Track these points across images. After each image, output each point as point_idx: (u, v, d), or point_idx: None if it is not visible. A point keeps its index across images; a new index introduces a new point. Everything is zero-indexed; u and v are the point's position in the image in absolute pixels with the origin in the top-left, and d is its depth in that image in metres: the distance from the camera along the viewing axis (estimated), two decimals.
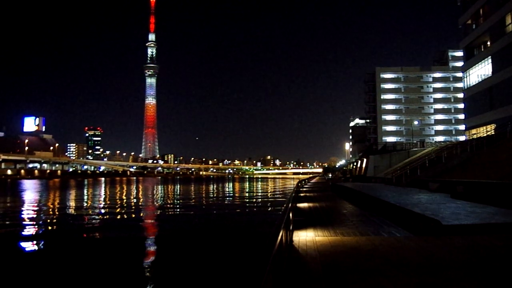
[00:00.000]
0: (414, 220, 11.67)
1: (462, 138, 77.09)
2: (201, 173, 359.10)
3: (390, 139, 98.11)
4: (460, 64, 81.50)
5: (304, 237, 9.83)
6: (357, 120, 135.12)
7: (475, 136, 45.20)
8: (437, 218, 10.85)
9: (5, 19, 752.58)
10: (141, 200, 48.04)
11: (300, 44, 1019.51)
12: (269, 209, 35.55)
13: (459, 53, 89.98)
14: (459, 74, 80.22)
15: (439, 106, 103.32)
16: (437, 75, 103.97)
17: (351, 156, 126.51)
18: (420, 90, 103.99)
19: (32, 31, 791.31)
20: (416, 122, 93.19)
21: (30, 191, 68.63)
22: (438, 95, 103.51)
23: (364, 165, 68.53)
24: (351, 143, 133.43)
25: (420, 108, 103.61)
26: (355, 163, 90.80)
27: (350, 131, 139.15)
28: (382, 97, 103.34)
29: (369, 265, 6.74)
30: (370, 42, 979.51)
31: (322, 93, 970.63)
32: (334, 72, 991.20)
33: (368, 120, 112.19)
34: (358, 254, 7.74)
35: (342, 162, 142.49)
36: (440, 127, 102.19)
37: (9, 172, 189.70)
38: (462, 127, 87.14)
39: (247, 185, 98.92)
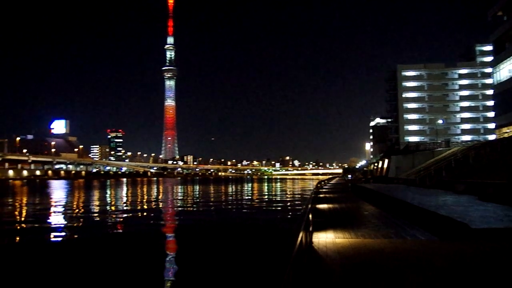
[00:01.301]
0: (440, 223, 11.23)
1: (491, 137, 74.85)
2: (219, 173, 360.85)
3: (413, 138, 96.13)
4: (489, 59, 78.78)
5: (324, 238, 9.59)
6: (378, 120, 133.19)
7: (506, 135, 43.65)
8: (464, 221, 10.39)
9: (29, 25, 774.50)
10: (162, 200, 48.45)
11: (319, 42, 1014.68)
12: (288, 210, 35.27)
13: (488, 47, 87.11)
14: (488, 70, 77.61)
15: (465, 104, 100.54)
16: (464, 71, 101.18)
17: (371, 156, 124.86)
18: (444, 87, 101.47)
19: (57, 37, 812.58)
20: (440, 121, 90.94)
21: (58, 191, 70.32)
22: (465, 93, 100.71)
23: (385, 166, 67.42)
24: (371, 143, 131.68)
25: (445, 106, 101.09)
26: (376, 164, 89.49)
27: (371, 130, 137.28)
28: (404, 96, 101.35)
29: (391, 269, 6.46)
30: (391, 39, 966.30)
31: (342, 92, 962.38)
32: (353, 70, 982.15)
33: (389, 120, 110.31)
34: (380, 257, 7.45)
35: (363, 162, 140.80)
36: (466, 126, 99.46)
37: (38, 172, 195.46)
38: (491, 125, 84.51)
39: (266, 186, 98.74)
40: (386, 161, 67.55)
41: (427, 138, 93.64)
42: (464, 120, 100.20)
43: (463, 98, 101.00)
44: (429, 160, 49.59)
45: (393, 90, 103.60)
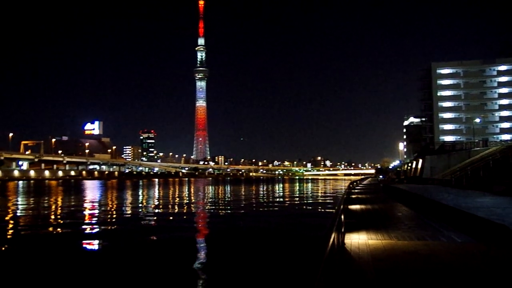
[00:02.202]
0: (477, 225, 10.88)
1: None
2: (251, 174, 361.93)
3: (448, 138, 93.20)
4: None
5: (357, 240, 9.50)
6: (412, 119, 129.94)
7: None
8: (504, 224, 10.03)
9: (65, 29, 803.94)
10: (193, 200, 49.19)
11: (351, 41, 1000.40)
12: (320, 210, 35.02)
13: None
14: None
15: (505, 101, 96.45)
16: (503, 67, 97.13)
17: (405, 156, 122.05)
18: (482, 85, 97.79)
19: (90, 40, 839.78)
20: (478, 120, 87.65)
21: (92, 191, 72.71)
22: (505, 90, 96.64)
23: (419, 166, 65.75)
24: (405, 143, 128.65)
25: (483, 105, 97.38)
26: (409, 164, 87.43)
27: (404, 130, 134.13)
28: (439, 94, 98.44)
29: (426, 272, 6.33)
30: (424, 36, 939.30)
31: (374, 92, 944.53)
32: (386, 69, 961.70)
33: (423, 119, 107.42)
34: (415, 259, 7.32)
35: (396, 162, 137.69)
36: (506, 125, 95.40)
37: (72, 173, 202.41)
38: None
39: (297, 186, 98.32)
40: (420, 161, 65.88)
41: (463, 138, 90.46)
42: (504, 119, 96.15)
43: (502, 96, 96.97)
44: (466, 160, 47.98)
45: (427, 89, 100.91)
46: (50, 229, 23.48)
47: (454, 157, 54.91)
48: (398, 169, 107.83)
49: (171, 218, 29.61)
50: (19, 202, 44.14)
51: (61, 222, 27.11)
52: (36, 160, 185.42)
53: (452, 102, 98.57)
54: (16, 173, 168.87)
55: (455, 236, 10.10)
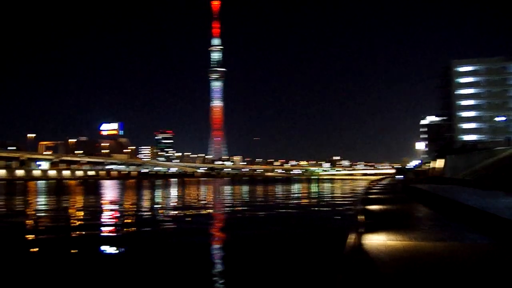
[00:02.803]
0: (501, 226, 10.57)
1: None
2: (267, 174, 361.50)
3: (469, 137, 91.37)
4: None
5: (375, 240, 9.34)
6: (431, 118, 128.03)
7: None
8: None
9: (81, 31, 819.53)
10: (210, 200, 49.45)
11: (367, 40, 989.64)
12: (338, 211, 34.69)
13: None
14: None
15: None
16: None
17: (424, 156, 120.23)
18: (504, 82, 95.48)
19: (107, 41, 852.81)
20: (501, 118, 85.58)
21: (112, 191, 73.82)
22: None
23: (439, 166, 64.60)
24: (424, 142, 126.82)
25: (505, 103, 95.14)
26: (429, 164, 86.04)
27: (424, 129, 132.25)
28: (458, 92, 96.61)
29: (448, 274, 6.15)
30: (443, 33, 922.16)
31: (392, 90, 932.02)
32: (404, 67, 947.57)
33: (443, 118, 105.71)
34: (435, 261, 7.14)
35: (415, 162, 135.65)
36: None
37: (91, 173, 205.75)
38: None
39: (314, 186, 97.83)
40: (440, 161, 64.76)
41: (485, 137, 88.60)
42: None
43: None
44: (488, 160, 46.93)
45: (447, 87, 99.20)
46: (69, 229, 23.85)
47: (475, 156, 53.80)
48: (417, 169, 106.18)
49: (189, 219, 29.49)
50: (40, 202, 45.04)
51: (79, 223, 27.48)
52: (56, 160, 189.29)
53: (473, 100, 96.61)
54: (36, 173, 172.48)
55: (477, 238, 9.85)
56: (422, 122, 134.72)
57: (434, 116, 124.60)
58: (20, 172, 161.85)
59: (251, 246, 17.58)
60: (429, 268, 6.58)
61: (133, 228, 24.13)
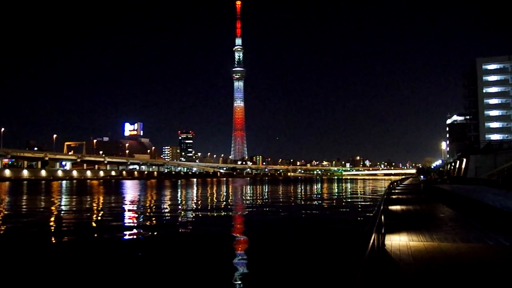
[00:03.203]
0: None
1: None
2: (289, 174, 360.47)
3: (495, 136, 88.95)
4: None
5: (397, 241, 9.35)
6: (455, 117, 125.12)
7: None
8: None
9: (104, 33, 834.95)
10: (232, 202, 49.76)
11: (390, 39, 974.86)
12: (359, 211, 34.47)
13: None
14: None
15: None
16: None
17: (448, 156, 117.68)
18: None
19: (130, 42, 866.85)
20: None
21: (133, 190, 75.12)
22: None
23: (463, 166, 63.22)
24: (448, 142, 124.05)
25: None
26: (452, 164, 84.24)
27: (447, 129, 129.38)
28: (484, 91, 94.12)
29: (472, 276, 6.15)
30: (467, 30, 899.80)
31: (415, 89, 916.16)
32: (427, 66, 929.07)
33: (468, 117, 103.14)
34: (459, 262, 7.12)
35: (438, 162, 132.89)
36: None
37: (113, 173, 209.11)
38: None
39: (336, 186, 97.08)
40: (464, 160, 63.34)
41: (511, 136, 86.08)
42: None
43: None
44: None
45: (472, 86, 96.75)
46: (92, 229, 24.41)
47: (502, 156, 52.44)
48: (440, 169, 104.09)
49: (211, 220, 29.56)
50: (63, 202, 46.12)
51: (101, 223, 28.03)
52: (79, 160, 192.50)
53: (499, 99, 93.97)
54: (59, 173, 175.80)
55: (503, 239, 9.71)
56: (447, 121, 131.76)
57: (458, 116, 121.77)
58: (43, 172, 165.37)
59: (272, 244, 17.74)
60: (452, 270, 6.58)
61: (148, 229, 24.66)
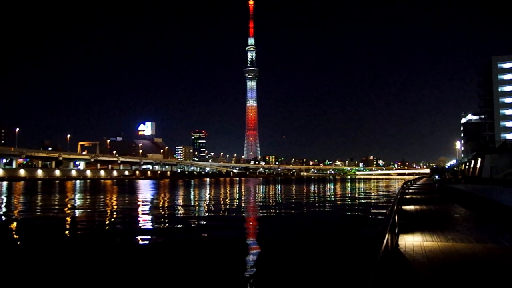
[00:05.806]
0: None
1: None
2: (302, 173, 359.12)
3: (510, 136, 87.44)
4: None
5: (411, 241, 9.35)
6: (470, 116, 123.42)
7: None
8: None
9: (117, 34, 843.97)
10: (244, 199, 49.88)
11: (404, 38, 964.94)
12: (372, 211, 34.28)
13: None
14: None
15: None
16: None
17: (462, 155, 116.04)
18: None
19: (143, 44, 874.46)
20: None
21: (147, 190, 75.76)
22: None
23: (478, 166, 62.32)
24: (462, 141, 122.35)
25: None
26: (467, 163, 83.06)
27: (462, 128, 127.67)
28: (500, 90, 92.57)
29: (487, 277, 6.14)
30: (482, 28, 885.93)
31: (429, 88, 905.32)
32: (442, 65, 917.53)
33: (483, 116, 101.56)
34: (475, 263, 7.11)
35: (452, 162, 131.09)
36: None
37: (126, 172, 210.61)
38: None
39: (349, 186, 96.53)
40: (479, 160, 62.44)
41: None
42: None
43: None
44: None
45: (487, 84, 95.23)
46: (104, 229, 24.60)
47: None
48: (455, 168, 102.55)
49: (225, 221, 28.77)
50: (77, 202, 46.52)
51: (113, 223, 28.23)
52: (92, 160, 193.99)
53: None
54: (73, 172, 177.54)
55: None
56: (462, 121, 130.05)
57: (473, 115, 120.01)
58: (57, 172, 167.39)
59: (283, 244, 17.79)
60: (466, 270, 6.57)
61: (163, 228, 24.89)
